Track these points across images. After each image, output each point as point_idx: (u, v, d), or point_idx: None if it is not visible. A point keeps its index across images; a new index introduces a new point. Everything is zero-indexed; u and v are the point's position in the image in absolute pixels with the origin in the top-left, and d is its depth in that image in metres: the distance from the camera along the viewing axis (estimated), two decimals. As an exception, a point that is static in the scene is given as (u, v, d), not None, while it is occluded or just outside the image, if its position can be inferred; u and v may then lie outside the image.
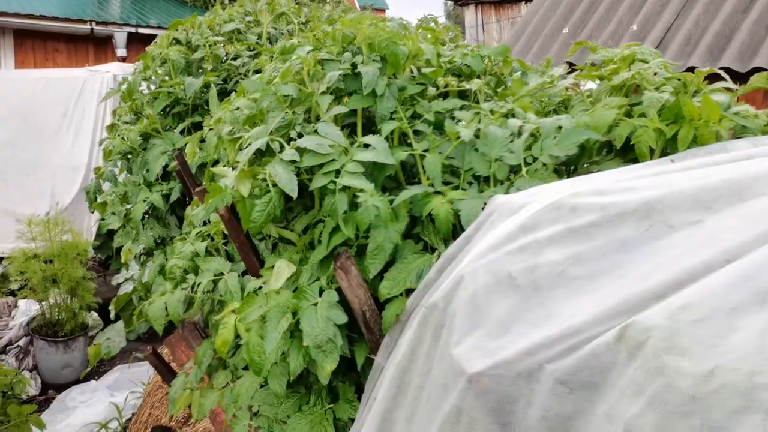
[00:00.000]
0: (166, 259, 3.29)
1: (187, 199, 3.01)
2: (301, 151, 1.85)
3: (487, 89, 2.34)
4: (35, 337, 5.67)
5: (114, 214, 3.47)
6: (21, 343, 5.69)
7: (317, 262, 1.83)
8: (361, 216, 1.62)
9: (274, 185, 1.82)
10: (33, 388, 5.52)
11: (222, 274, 2.24)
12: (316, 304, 1.73)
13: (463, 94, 2.29)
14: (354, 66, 2.02)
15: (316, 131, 1.92)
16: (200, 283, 2.24)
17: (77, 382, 5.59)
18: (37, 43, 11.40)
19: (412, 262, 1.68)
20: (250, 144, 1.96)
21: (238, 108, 2.22)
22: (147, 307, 2.44)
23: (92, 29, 11.29)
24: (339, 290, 1.76)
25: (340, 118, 2.06)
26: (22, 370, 5.57)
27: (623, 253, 1.30)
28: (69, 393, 5.37)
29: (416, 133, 1.99)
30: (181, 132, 3.11)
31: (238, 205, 1.87)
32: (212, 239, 2.55)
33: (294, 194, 1.74)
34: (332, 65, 2.04)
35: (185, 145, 2.99)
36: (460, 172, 1.87)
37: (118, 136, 3.24)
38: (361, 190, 1.69)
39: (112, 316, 4.44)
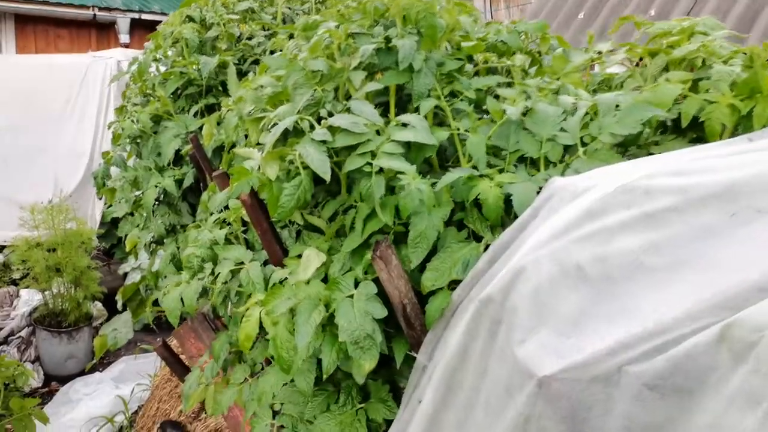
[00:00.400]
0: (178, 248, 3.15)
1: (201, 184, 2.87)
2: (333, 130, 1.70)
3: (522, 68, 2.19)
4: (38, 328, 5.54)
5: (123, 201, 3.33)
6: (23, 333, 5.56)
7: (350, 251, 1.69)
8: (404, 201, 1.48)
9: (305, 167, 1.68)
10: (35, 380, 5.39)
11: (242, 263, 2.10)
12: (351, 297, 1.59)
13: (492, 73, 2.14)
14: (388, 39, 1.87)
15: (348, 109, 1.77)
16: (219, 273, 2.10)
17: (81, 374, 5.46)
18: (39, 28, 11.21)
19: (456, 252, 1.54)
20: (275, 124, 1.82)
21: (260, 86, 2.08)
22: (162, 298, 2.31)
23: (95, 15, 11.09)
24: (375, 281, 1.62)
25: (372, 97, 1.92)
26: (24, 362, 5.45)
27: (708, 240, 1.16)
28: (73, 385, 5.24)
29: (454, 112, 1.85)
30: (195, 114, 2.96)
31: (265, 189, 1.73)
32: (229, 225, 2.41)
33: (327, 177, 1.60)
34: (364, 39, 1.89)
35: (199, 128, 2.85)
36: (503, 153, 1.73)
37: (128, 118, 3.09)
38: (401, 173, 1.55)
39: (119, 306, 4.31)
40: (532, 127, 1.63)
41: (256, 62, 3.23)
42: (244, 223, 2.33)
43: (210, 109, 3.13)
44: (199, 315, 2.95)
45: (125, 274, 5.71)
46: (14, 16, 10.84)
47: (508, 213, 1.57)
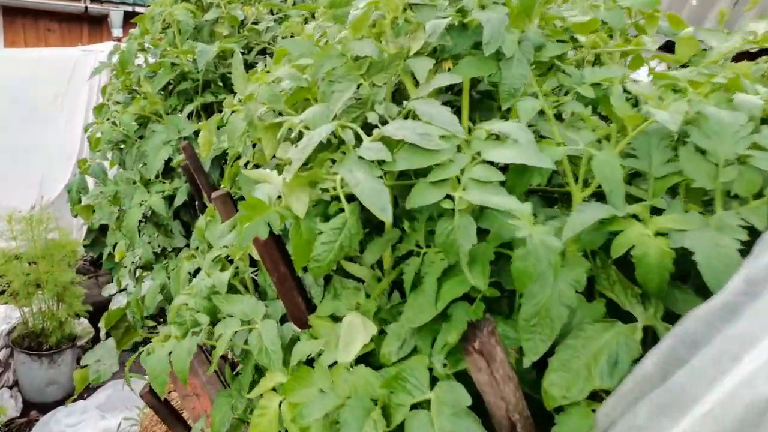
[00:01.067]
0: (168, 277, 2.59)
1: (196, 202, 2.31)
2: (390, 144, 1.15)
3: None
4: (16, 350, 4.97)
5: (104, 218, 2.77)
6: (0, 356, 4.99)
7: (419, 325, 1.13)
8: (523, 265, 0.91)
9: (351, 200, 1.13)
10: (13, 409, 4.82)
11: (252, 322, 1.54)
12: (425, 404, 1.03)
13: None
14: (462, 13, 1.31)
15: (409, 114, 1.22)
16: (221, 334, 1.54)
17: (64, 401, 4.90)
18: (29, 21, 10.66)
19: (594, 338, 0.98)
20: (302, 132, 1.27)
21: (277, 80, 1.52)
22: (145, 358, 1.76)
23: (86, 7, 10.53)
24: (460, 375, 1.07)
25: (435, 95, 1.36)
26: (1, 388, 4.88)
27: None
28: (54, 415, 4.69)
29: (559, 117, 1.30)
30: (189, 116, 2.39)
31: (291, 230, 1.17)
32: (231, 261, 1.85)
33: (387, 217, 1.04)
34: (427, 12, 1.32)
35: (195, 132, 2.29)
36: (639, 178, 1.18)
37: (108, 120, 2.52)
38: (508, 214, 0.99)
39: (102, 335, 3.75)
40: (701, 141, 1.07)
41: (264, 52, 2.67)
42: (253, 261, 1.77)
43: (207, 108, 2.57)
44: (194, 348, 2.41)
45: (110, 297, 5.13)
46: (2, 8, 10.27)
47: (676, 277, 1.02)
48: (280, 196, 1.23)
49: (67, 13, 10.77)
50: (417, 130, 1.12)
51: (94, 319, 5.54)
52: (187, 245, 2.68)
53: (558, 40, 1.34)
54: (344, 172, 1.11)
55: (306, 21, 2.48)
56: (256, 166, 1.97)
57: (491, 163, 1.06)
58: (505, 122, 1.13)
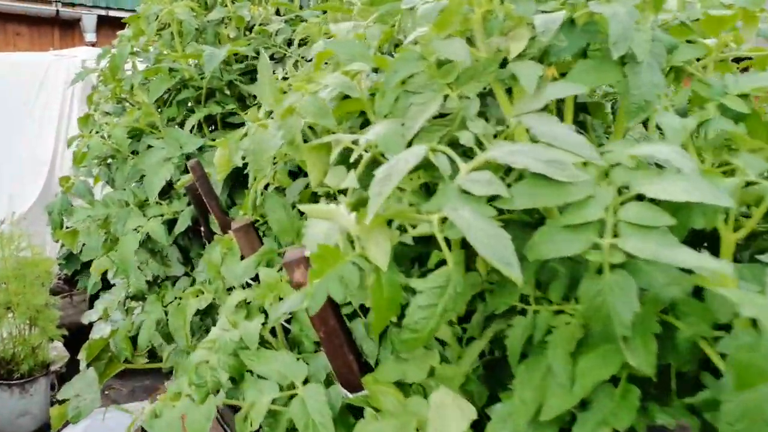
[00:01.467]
0: (165, 312, 2.28)
1: (202, 229, 2.00)
2: (493, 168, 0.87)
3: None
4: (-16, 379, 4.61)
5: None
6: (-33, 385, 4.62)
7: (550, 418, 0.85)
8: (753, 358, 0.64)
9: (456, 246, 0.85)
10: (-19, 444, 4.45)
11: (291, 385, 1.25)
12: None
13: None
14: (571, 6, 1.04)
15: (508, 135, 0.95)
16: (254, 403, 1.25)
17: (37, 434, 4.55)
18: (-4, 25, 10.24)
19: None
20: (364, 154, 0.99)
21: (323, 88, 1.23)
22: (152, 422, 1.45)
23: (58, 11, 10.12)
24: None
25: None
26: (-31, 420, 4.51)
27: None
28: (27, 449, 4.35)
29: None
30: (191, 129, 2.09)
31: (372, 290, 0.88)
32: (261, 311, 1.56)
33: (516, 274, 0.76)
34: (525, 5, 1.04)
35: (199, 149, 1.99)
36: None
37: (96, 132, 2.21)
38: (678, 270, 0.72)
39: (82, 366, 3.41)
40: None
41: (272, 57, 2.37)
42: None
43: (209, 120, 2.27)
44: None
45: (90, 324, 4.77)
46: (-32, 11, 9.85)
47: None
48: (351, 241, 0.94)
49: (37, 16, 10.37)
50: (540, 155, 0.85)
51: (69, 342, 5.17)
52: (186, 274, 2.37)
53: (687, 41, 1.07)
54: (449, 210, 0.83)
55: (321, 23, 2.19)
56: (279, 189, 1.69)
57: (655, 203, 0.79)
58: (657, 144, 0.86)
